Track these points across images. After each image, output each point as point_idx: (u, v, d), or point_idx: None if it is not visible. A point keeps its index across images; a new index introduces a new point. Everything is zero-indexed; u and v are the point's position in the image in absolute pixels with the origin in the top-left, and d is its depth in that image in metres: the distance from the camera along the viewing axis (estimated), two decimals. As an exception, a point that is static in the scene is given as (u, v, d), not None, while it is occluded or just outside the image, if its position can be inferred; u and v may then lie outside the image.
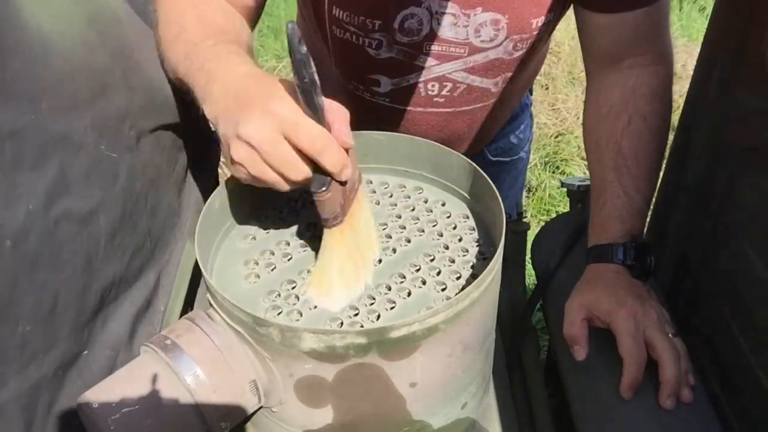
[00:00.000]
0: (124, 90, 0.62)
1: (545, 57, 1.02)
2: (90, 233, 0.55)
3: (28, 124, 0.47)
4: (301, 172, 0.52)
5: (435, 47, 0.80)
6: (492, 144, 1.08)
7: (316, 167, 0.52)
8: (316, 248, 0.60)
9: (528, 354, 0.77)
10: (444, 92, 0.86)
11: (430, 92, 0.86)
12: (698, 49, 0.74)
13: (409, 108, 0.88)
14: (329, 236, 0.57)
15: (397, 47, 0.81)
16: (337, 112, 0.53)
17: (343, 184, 0.54)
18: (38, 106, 0.48)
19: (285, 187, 0.53)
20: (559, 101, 2.47)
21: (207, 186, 0.84)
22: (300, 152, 0.51)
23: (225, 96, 0.56)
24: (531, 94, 1.14)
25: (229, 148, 0.53)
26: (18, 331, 0.45)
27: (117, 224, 0.60)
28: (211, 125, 0.58)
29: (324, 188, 0.53)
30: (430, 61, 0.82)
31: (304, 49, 0.47)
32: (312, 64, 0.48)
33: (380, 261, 0.60)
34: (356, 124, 0.98)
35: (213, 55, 0.61)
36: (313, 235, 0.63)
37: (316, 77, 0.49)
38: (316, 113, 0.51)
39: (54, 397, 0.50)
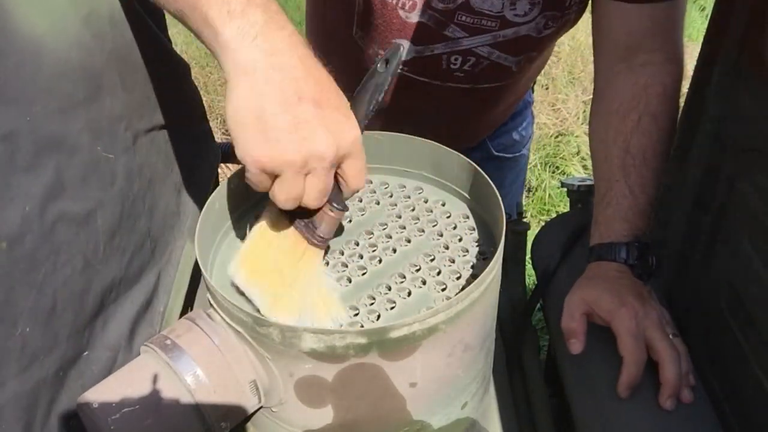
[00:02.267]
0: (120, 91, 0.61)
1: (551, 52, 1.01)
2: (88, 234, 0.55)
3: (22, 126, 0.47)
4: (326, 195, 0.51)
5: (467, 18, 0.79)
6: (495, 139, 1.08)
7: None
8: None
9: (528, 354, 0.77)
10: (466, 67, 0.85)
11: (452, 65, 0.84)
12: (698, 49, 0.74)
13: (425, 80, 0.87)
14: (311, 255, 0.56)
15: (430, 12, 0.79)
16: None
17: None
18: (32, 108, 0.48)
19: (292, 204, 0.50)
20: (559, 101, 2.47)
21: (207, 186, 0.84)
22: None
23: (265, 77, 0.44)
24: (533, 92, 1.14)
25: (251, 165, 0.47)
26: (17, 332, 0.45)
27: (115, 225, 0.60)
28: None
29: (347, 209, 0.54)
30: (459, 33, 0.81)
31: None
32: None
33: (380, 261, 0.60)
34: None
35: None
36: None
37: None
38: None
39: (54, 397, 0.50)
